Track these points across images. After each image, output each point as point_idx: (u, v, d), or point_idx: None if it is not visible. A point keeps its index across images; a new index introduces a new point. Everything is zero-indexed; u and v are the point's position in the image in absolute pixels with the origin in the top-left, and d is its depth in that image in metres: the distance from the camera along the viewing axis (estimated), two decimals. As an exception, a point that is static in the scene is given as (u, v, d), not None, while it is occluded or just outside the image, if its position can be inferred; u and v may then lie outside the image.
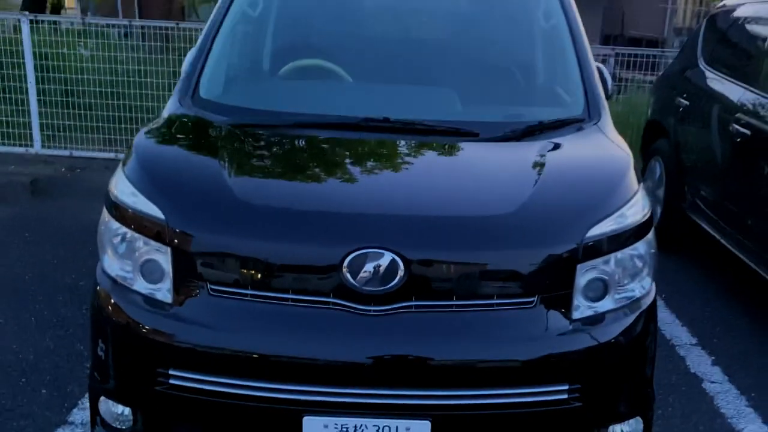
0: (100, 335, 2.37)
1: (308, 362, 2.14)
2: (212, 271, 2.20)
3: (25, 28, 7.06)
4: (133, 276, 2.30)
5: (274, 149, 2.72)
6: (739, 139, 4.14)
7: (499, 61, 3.23)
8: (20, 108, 7.31)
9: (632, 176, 2.48)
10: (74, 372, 3.38)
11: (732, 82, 4.52)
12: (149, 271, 2.27)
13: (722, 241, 4.34)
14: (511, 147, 2.67)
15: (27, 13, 7.49)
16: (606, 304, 2.28)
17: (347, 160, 2.63)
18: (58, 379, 3.32)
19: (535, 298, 2.19)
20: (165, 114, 2.86)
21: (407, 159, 2.67)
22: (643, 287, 2.37)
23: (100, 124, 7.36)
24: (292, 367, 2.14)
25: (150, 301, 2.26)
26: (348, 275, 2.11)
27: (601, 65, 3.22)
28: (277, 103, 2.97)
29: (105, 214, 2.40)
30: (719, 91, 4.63)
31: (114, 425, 2.38)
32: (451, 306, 2.17)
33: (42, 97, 7.26)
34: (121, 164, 2.50)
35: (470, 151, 2.65)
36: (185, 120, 2.81)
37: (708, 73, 4.88)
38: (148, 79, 7.25)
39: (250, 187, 2.35)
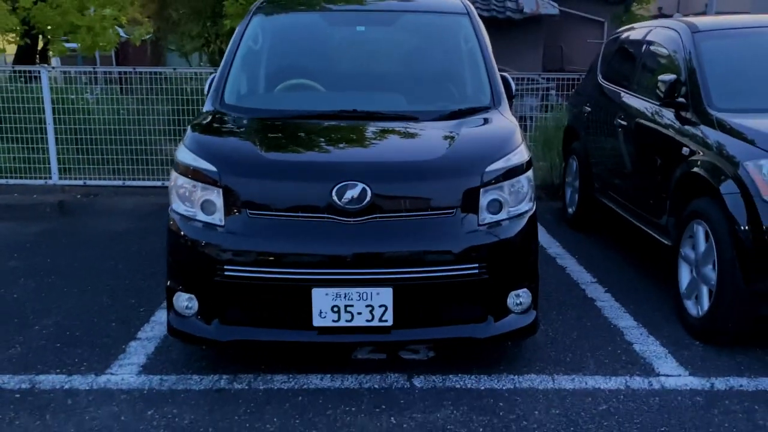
0: (174, 252, 3.61)
1: (313, 255, 3.42)
2: (249, 201, 3.47)
3: (44, 78, 8.29)
4: (195, 212, 3.55)
5: (281, 129, 4.04)
6: (620, 129, 5.54)
7: (432, 73, 4.60)
8: (39, 146, 8.48)
9: (516, 136, 3.82)
10: (131, 314, 4.57)
11: (616, 89, 5.96)
12: (206, 207, 3.53)
13: (617, 210, 5.68)
14: (438, 124, 4.00)
15: (46, 65, 8.72)
16: (501, 215, 3.58)
17: (330, 134, 3.97)
18: (121, 319, 4.51)
19: (455, 210, 3.49)
20: (204, 111, 4.17)
21: (369, 132, 3.98)
22: (526, 206, 3.68)
23: (108, 157, 8.54)
24: (303, 258, 3.42)
25: (208, 225, 3.51)
26: (336, 198, 3.39)
27: (506, 75, 4.57)
28: (279, 104, 4.31)
29: (173, 174, 3.66)
30: (609, 96, 6.07)
31: (183, 313, 3.60)
32: (401, 216, 3.46)
33: (57, 135, 8.45)
34: (181, 142, 3.77)
35: (410, 127, 3.98)
36: (217, 114, 4.13)
37: (603, 84, 6.32)
38: (147, 117, 8.47)
39: (269, 149, 3.65)
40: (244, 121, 4.01)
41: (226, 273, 3.43)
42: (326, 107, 4.21)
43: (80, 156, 8.52)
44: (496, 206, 3.58)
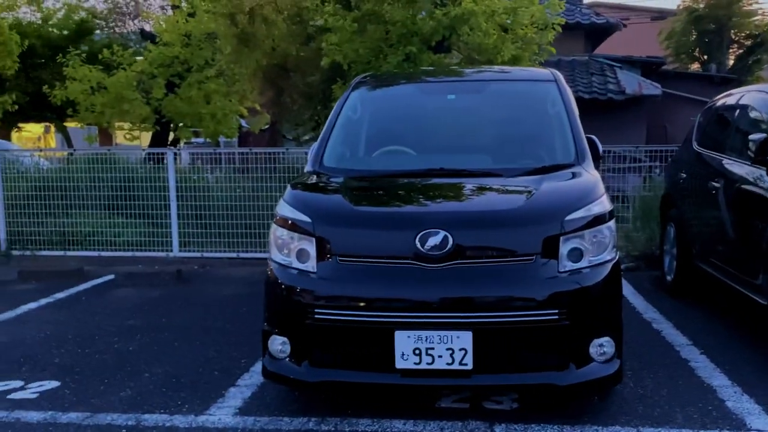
0: (270, 297, 3.89)
1: (396, 299, 3.61)
2: (339, 249, 3.72)
3: (170, 159, 9.04)
4: (291, 260, 3.83)
5: (370, 186, 4.32)
6: (714, 192, 5.49)
7: (518, 134, 4.81)
8: (163, 221, 9.16)
9: (597, 188, 3.94)
10: (233, 365, 4.86)
11: (710, 153, 5.94)
12: (301, 255, 3.80)
13: (714, 273, 5.57)
14: (521, 179, 4.15)
15: (173, 147, 9.52)
16: (582, 263, 3.67)
17: (416, 189, 4.22)
18: (223, 369, 4.80)
19: (535, 257, 3.61)
20: (305, 171, 4.52)
21: (453, 186, 4.20)
22: (608, 256, 3.75)
23: (224, 231, 9.11)
24: (387, 301, 3.61)
25: (302, 272, 3.78)
26: (419, 245, 3.59)
27: (593, 137, 4.71)
28: (372, 165, 4.62)
29: (273, 226, 3.98)
30: (703, 161, 6.05)
31: (277, 356, 3.84)
32: (481, 262, 3.62)
33: (180, 212, 9.11)
34: (281, 198, 4.11)
35: (493, 182, 4.16)
36: (315, 174, 4.47)
37: (698, 151, 6.30)
38: (261, 194, 9.02)
39: (358, 202, 3.92)
40: (338, 179, 4.33)
41: (316, 316, 3.66)
42: (416, 167, 4.48)
43: (199, 230, 9.12)
44: (576, 255, 3.67)
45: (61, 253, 9.18)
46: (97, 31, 16.02)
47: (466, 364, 3.55)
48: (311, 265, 3.77)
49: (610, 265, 3.74)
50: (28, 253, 9.26)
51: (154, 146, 11.54)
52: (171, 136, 12.88)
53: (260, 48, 9.04)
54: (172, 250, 9.19)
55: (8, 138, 20.48)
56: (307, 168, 4.59)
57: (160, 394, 4.34)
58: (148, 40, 12.57)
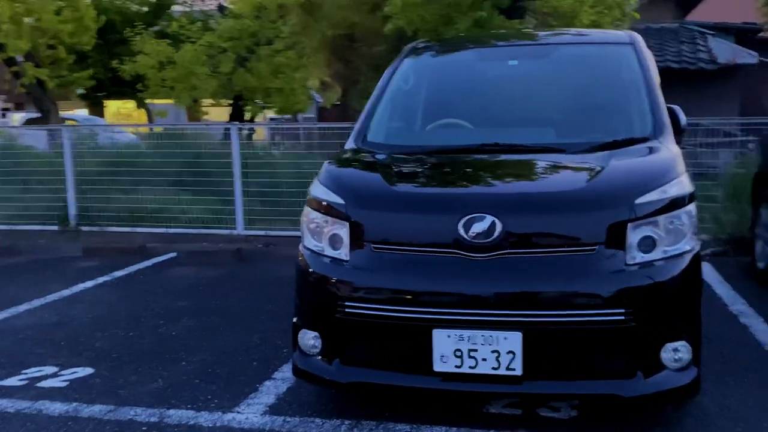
0: (301, 288, 3.53)
1: (434, 292, 3.17)
2: (373, 234, 3.30)
3: (234, 134, 8.82)
4: (323, 246, 3.44)
5: (414, 163, 3.85)
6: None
7: (587, 104, 4.23)
8: (228, 198, 8.98)
9: (676, 166, 3.37)
10: (274, 354, 4.55)
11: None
12: (333, 242, 3.41)
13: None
14: (587, 156, 3.60)
15: (236, 123, 9.30)
16: (655, 254, 3.13)
17: (465, 167, 3.74)
18: (263, 358, 4.50)
19: (597, 247, 3.10)
20: (345, 148, 4.10)
21: (506, 164, 3.70)
22: (687, 245, 3.19)
23: (289, 209, 8.85)
24: (423, 295, 3.18)
25: (334, 260, 3.39)
26: (462, 232, 3.14)
27: (675, 107, 4.12)
28: (419, 141, 4.18)
29: (306, 209, 3.59)
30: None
31: (309, 352, 3.47)
32: (534, 253, 3.13)
33: (244, 189, 8.89)
34: (315, 178, 3.71)
35: (554, 159, 3.63)
36: (356, 151, 4.03)
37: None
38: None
39: (398, 181, 3.47)
40: (380, 157, 3.87)
41: (347, 310, 3.27)
42: (468, 141, 3.99)
43: (264, 207, 8.89)
44: (648, 244, 3.14)
45: (129, 229, 9.12)
46: (176, 7, 16.04)
47: (514, 369, 3.09)
48: (344, 252, 3.37)
49: (688, 257, 3.20)
50: (96, 229, 9.25)
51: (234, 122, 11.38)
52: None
53: (326, 18, 8.66)
54: (236, 228, 8.99)
55: (102, 115, 20.96)
56: (348, 144, 4.17)
57: (191, 387, 4.06)
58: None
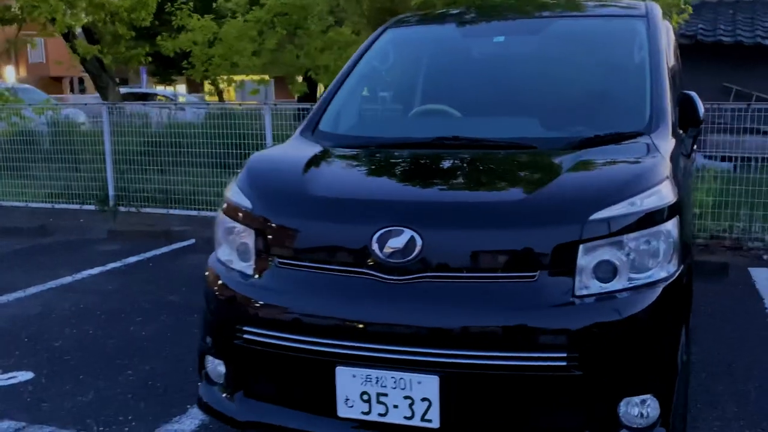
0: (205, 304, 3.02)
1: (336, 320, 2.59)
2: (278, 246, 2.74)
3: (267, 114, 8.40)
4: (231, 258, 2.91)
5: (348, 160, 3.26)
6: None
7: (576, 91, 3.52)
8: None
9: (656, 171, 2.64)
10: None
11: None
12: (241, 252, 2.87)
13: None
14: (556, 155, 2.91)
15: (268, 102, 8.90)
16: (616, 284, 2.45)
17: (401, 167, 3.12)
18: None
19: (537, 274, 2.44)
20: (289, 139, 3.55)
21: (453, 164, 3.05)
22: (662, 272, 2.49)
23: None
24: (324, 323, 2.60)
25: (239, 275, 2.83)
26: (376, 248, 2.52)
27: (692, 94, 3.36)
28: (369, 131, 3.61)
29: (218, 212, 3.07)
30: None
31: (215, 381, 2.96)
32: (460, 278, 2.50)
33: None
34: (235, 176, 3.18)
35: (513, 158, 2.97)
36: (295, 142, 3.45)
37: None
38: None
39: (316, 183, 2.86)
40: (316, 151, 3.28)
41: (245, 336, 2.74)
42: (424, 134, 3.34)
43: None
44: (607, 270, 2.46)
45: (164, 211, 8.90)
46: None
47: (430, 421, 2.49)
48: (250, 266, 2.84)
49: (662, 287, 2.48)
50: (133, 209, 9.09)
51: (304, 101, 10.93)
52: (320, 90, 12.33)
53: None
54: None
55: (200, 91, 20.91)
56: (294, 134, 3.60)
57: (118, 404, 3.65)
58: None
